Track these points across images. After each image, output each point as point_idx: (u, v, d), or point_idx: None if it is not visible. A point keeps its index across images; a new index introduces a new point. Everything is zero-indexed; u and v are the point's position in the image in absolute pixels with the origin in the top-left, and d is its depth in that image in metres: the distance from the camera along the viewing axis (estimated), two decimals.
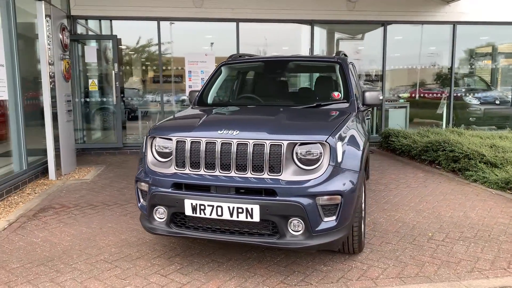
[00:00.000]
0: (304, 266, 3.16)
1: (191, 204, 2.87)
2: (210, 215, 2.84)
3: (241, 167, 2.85)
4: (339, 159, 2.87)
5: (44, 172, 6.24)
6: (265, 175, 2.81)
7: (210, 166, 2.91)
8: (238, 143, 2.86)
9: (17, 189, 5.46)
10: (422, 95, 10.42)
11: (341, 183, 2.82)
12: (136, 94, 9.87)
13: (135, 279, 2.99)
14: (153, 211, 3.06)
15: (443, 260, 3.27)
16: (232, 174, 2.86)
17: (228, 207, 2.79)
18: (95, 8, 8.32)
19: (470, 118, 10.83)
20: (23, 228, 4.08)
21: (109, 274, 3.06)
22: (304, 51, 9.24)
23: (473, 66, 10.61)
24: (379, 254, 3.38)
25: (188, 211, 2.89)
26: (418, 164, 7.13)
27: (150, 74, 9.50)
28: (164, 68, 8.94)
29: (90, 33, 9.21)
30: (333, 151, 2.83)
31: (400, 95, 10.30)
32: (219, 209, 2.82)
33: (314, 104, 3.73)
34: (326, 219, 2.81)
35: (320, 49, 9.66)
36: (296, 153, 2.85)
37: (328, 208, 2.81)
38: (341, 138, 2.94)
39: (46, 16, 5.98)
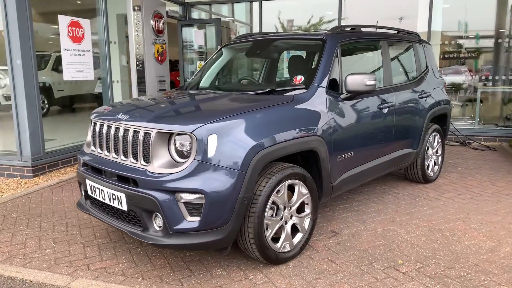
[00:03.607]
0: (202, 266, 2.92)
1: (89, 184, 3.00)
2: (99, 197, 2.92)
3: (126, 153, 2.81)
4: (211, 154, 2.52)
5: None
6: (138, 164, 2.70)
7: (108, 149, 2.96)
8: (124, 129, 2.82)
9: None
10: None
11: (206, 181, 2.48)
12: None
13: (60, 245, 3.32)
14: (80, 187, 3.31)
15: None
16: (119, 159, 2.85)
17: (107, 192, 2.81)
18: None
19: None
20: (61, 187, 4.93)
21: (50, 235, 3.48)
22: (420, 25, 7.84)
23: None
24: (298, 272, 2.83)
25: (89, 191, 3.03)
26: None
27: None
28: None
29: (213, 17, 9.95)
30: (201, 144, 2.51)
31: None
32: (102, 192, 2.86)
33: (266, 90, 3.27)
34: (190, 218, 2.54)
35: (453, 20, 8.04)
36: (175, 143, 2.64)
37: (193, 207, 2.53)
38: (222, 130, 2.56)
39: (134, 6, 6.80)
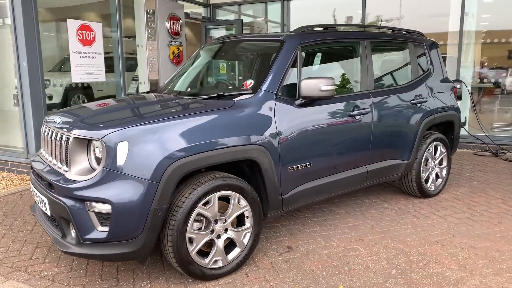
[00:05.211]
0: (132, 276, 2.83)
1: (31, 187, 3.03)
2: (36, 200, 2.94)
3: (55, 158, 2.79)
4: (120, 162, 2.41)
5: None
6: (61, 169, 2.67)
7: (47, 153, 2.97)
8: (56, 133, 2.80)
9: None
10: None
11: (113, 191, 2.38)
12: None
13: (17, 244, 3.40)
14: None
15: None
16: (51, 163, 2.84)
17: (38, 196, 2.81)
18: None
19: None
20: None
21: (13, 234, 3.58)
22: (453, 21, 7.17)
23: None
24: None
25: (32, 194, 3.06)
26: None
27: None
28: None
29: (242, 17, 9.88)
30: (110, 152, 2.42)
31: None
32: (35, 196, 2.88)
33: (215, 95, 3.10)
34: (100, 228, 2.46)
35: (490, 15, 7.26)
36: (94, 150, 2.57)
37: (102, 217, 2.44)
38: (134, 137, 2.44)
39: (148, 9, 6.90)
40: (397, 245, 3.28)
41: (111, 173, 2.41)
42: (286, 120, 3.03)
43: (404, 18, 7.77)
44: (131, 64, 13.04)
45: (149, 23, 7.03)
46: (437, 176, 4.47)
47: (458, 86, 6.49)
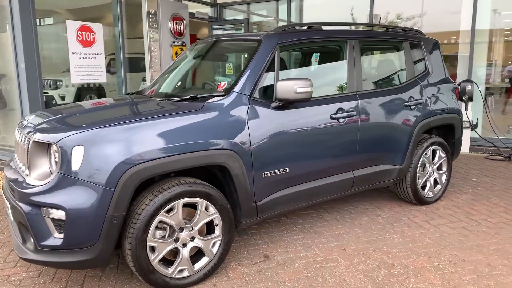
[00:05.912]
0: (97, 283, 2.76)
1: (2, 192, 3.00)
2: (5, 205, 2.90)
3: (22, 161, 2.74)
4: (75, 167, 2.33)
5: None
6: (24, 174, 2.61)
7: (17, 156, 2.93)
8: (24, 137, 2.75)
9: None
10: None
11: (66, 197, 2.31)
12: None
13: None
14: None
15: None
16: (18, 167, 2.79)
17: (5, 200, 2.77)
18: None
19: None
20: None
21: None
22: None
23: None
24: None
25: None
26: None
27: None
28: None
29: (252, 16, 9.76)
30: (65, 156, 2.34)
31: None
32: (4, 201, 2.84)
33: (188, 96, 2.98)
34: (57, 235, 2.39)
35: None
36: (54, 154, 2.50)
37: (58, 224, 2.37)
38: (90, 141, 2.36)
39: (150, 10, 6.87)
40: (381, 256, 3.10)
41: (66, 178, 2.34)
42: (261, 124, 2.89)
43: (417, 16, 7.49)
44: (144, 65, 13.08)
45: (151, 24, 7.00)
46: (435, 182, 4.24)
47: (469, 87, 6.20)
